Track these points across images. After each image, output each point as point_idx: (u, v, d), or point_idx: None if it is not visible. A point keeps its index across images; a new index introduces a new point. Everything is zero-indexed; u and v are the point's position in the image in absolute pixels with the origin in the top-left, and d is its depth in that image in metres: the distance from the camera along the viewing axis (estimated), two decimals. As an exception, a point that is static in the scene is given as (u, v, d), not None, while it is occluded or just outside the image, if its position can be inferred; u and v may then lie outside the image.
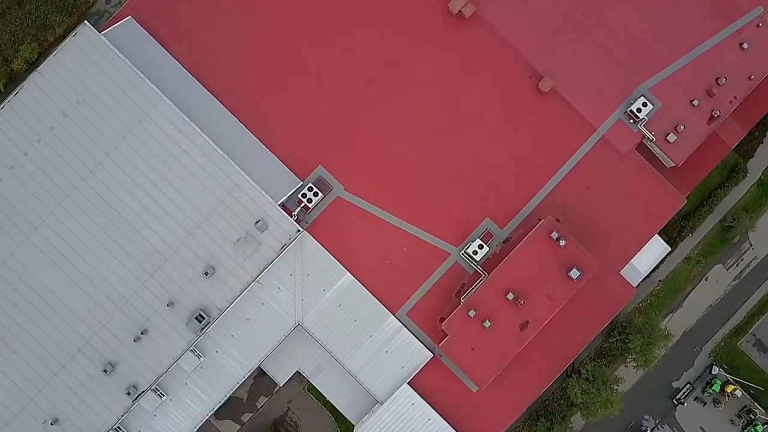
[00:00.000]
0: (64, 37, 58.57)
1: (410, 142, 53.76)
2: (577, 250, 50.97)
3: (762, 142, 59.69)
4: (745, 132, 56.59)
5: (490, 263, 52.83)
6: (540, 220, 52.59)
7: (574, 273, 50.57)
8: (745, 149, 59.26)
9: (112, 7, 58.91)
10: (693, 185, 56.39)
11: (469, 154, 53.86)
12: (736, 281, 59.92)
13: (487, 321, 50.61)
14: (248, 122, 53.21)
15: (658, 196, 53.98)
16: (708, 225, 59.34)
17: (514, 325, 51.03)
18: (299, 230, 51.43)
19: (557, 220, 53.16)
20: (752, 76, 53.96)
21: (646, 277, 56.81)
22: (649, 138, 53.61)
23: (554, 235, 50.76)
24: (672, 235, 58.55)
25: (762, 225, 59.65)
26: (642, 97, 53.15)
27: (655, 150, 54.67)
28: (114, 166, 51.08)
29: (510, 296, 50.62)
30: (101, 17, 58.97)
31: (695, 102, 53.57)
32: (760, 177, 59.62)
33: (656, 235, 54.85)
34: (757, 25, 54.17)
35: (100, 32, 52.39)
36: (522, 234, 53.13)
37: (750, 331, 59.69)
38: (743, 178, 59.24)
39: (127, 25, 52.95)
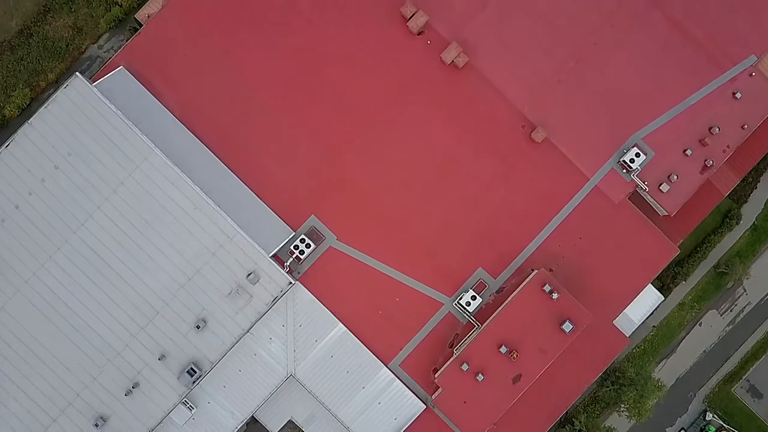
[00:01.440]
0: (56, 82, 58.65)
1: (403, 191, 53.65)
2: (570, 303, 50.83)
3: (756, 188, 59.69)
4: (738, 179, 56.58)
5: (483, 313, 52.68)
6: (533, 270, 52.47)
7: (567, 326, 50.41)
8: (739, 195, 59.25)
9: (104, 52, 58.76)
10: (686, 233, 56.34)
11: (461, 203, 53.74)
12: (730, 326, 59.86)
13: (479, 375, 50.40)
14: (241, 172, 53.01)
15: (652, 246, 53.88)
16: (702, 271, 59.31)
17: (506, 379, 50.84)
18: (291, 282, 51.26)
19: (550, 270, 53.14)
20: (745, 126, 53.94)
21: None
22: (642, 188, 53.57)
23: (547, 288, 50.61)
24: (665, 281, 58.49)
25: (756, 270, 59.61)
26: (635, 147, 53.08)
27: (649, 199, 54.60)
28: (105, 219, 50.87)
29: (503, 349, 50.42)
30: (93, 62, 58.83)
31: (688, 151, 53.54)
32: (754, 222, 59.62)
33: (650, 285, 54.72)
34: (750, 74, 54.18)
35: (92, 81, 52.27)
36: (515, 284, 53.00)
37: (744, 377, 59.59)
38: (737, 223, 59.21)
39: (119, 75, 52.78)
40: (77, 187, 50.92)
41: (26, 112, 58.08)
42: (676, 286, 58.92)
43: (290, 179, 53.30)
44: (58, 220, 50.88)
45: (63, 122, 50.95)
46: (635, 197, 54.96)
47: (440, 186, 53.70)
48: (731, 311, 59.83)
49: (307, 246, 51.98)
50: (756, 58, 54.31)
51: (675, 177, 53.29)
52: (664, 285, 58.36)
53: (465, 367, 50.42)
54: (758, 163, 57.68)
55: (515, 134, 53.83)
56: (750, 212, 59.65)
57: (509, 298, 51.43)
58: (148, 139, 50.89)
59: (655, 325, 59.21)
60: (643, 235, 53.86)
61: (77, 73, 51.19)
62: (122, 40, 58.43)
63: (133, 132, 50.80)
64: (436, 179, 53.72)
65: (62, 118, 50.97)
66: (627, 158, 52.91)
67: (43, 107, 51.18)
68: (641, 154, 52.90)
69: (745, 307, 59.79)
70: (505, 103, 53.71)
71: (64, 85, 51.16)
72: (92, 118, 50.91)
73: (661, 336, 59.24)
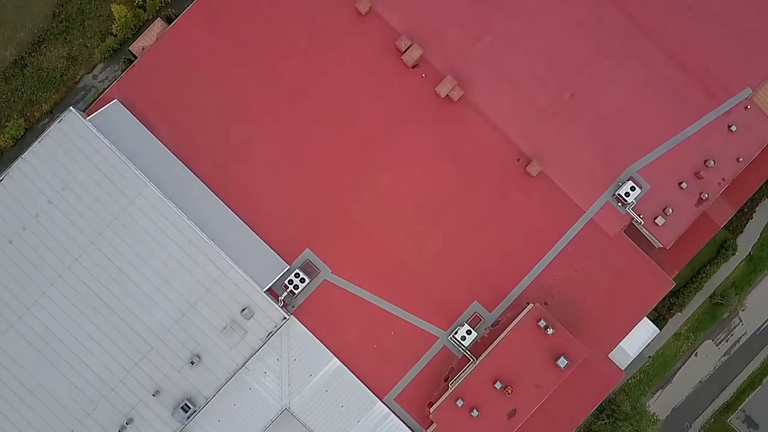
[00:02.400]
0: (51, 112, 58.59)
1: (398, 224, 53.53)
2: (565, 338, 50.73)
3: (751, 218, 59.63)
4: (734, 211, 56.48)
5: (478, 347, 52.59)
6: (528, 304, 52.45)
7: (562, 362, 50.31)
8: (735, 225, 59.20)
9: (99, 82, 58.65)
10: (682, 264, 56.27)
11: (457, 236, 53.63)
12: (726, 357, 59.81)
13: (474, 410, 50.28)
14: (235, 206, 52.89)
15: (647, 279, 53.75)
16: (697, 301, 59.26)
17: (501, 414, 50.72)
18: (285, 317, 51.16)
19: (545, 303, 53.10)
20: (741, 159, 53.88)
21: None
22: (637, 221, 53.51)
23: (542, 323, 50.51)
24: (661, 311, 58.43)
25: (751, 301, 59.56)
26: (630, 181, 53.02)
27: (644, 231, 54.52)
28: (99, 254, 50.76)
29: (498, 385, 50.29)
30: (88, 92, 58.70)
31: (684, 184, 53.47)
32: (750, 252, 59.57)
33: (645, 318, 54.62)
34: (746, 107, 54.11)
35: (86, 114, 52.40)
36: (511, 317, 52.97)
37: (740, 408, 59.52)
38: (733, 254, 59.14)
39: (114, 108, 52.63)
40: (71, 222, 50.81)
41: (21, 142, 58.08)
42: (671, 317, 58.86)
43: (285, 212, 53.17)
44: (52, 255, 50.77)
45: (57, 157, 50.84)
46: (631, 228, 54.85)
47: (435, 219, 53.60)
48: (727, 341, 59.78)
49: (302, 281, 51.86)
50: (751, 91, 54.25)
51: (670, 210, 53.22)
52: (659, 315, 58.31)
53: (460, 402, 50.29)
54: (754, 194, 57.49)
55: (510, 167, 53.74)
56: (745, 242, 59.58)
57: (504, 333, 51.38)
58: (142, 174, 50.82)
59: (651, 355, 59.14)
60: (638, 268, 53.73)
61: (71, 107, 51.11)
62: (117, 70, 58.35)
63: (127, 166, 50.73)
64: (431, 212, 53.61)
65: (56, 153, 50.87)
66: (622, 192, 52.82)
67: (37, 142, 51.08)
68: (636, 187, 52.80)
69: (740, 338, 59.74)
70: (500, 136, 53.63)
71: (58, 120, 51.06)
72: (86, 153, 50.82)
73: (656, 366, 59.16)
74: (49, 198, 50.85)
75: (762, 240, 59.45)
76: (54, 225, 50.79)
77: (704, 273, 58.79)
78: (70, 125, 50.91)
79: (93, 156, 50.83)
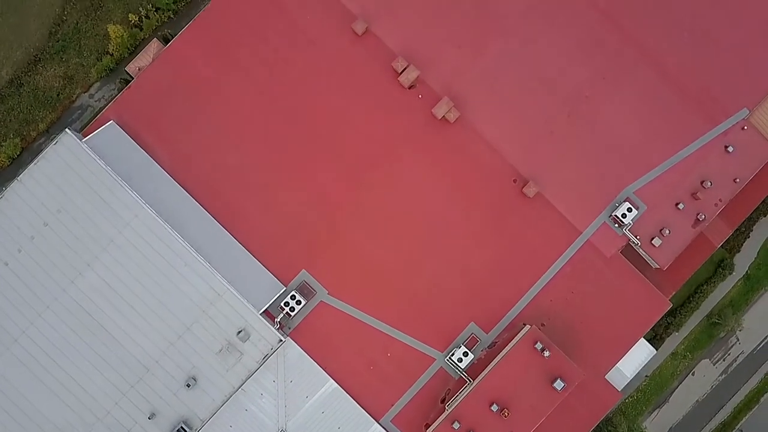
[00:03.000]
0: (47, 131, 58.56)
1: (395, 245, 53.44)
2: (562, 361, 50.63)
3: (748, 237, 59.61)
4: (731, 231, 56.42)
5: (475, 368, 52.48)
6: (525, 325, 52.40)
7: (558, 384, 50.19)
8: (732, 244, 59.17)
9: (95, 101, 58.61)
10: (679, 285, 56.20)
11: (453, 257, 53.54)
12: (723, 376, 59.76)
13: (471, 433, 50.31)
14: (231, 227, 52.81)
15: (644, 300, 53.63)
16: (694, 320, 59.22)
17: (498, 437, 50.71)
18: (281, 340, 51.10)
19: (542, 325, 53.04)
20: (737, 179, 53.81)
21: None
22: (634, 242, 53.46)
23: (538, 345, 50.42)
24: (658, 331, 58.40)
25: (749, 320, 59.51)
26: (627, 202, 52.94)
27: (641, 252, 54.44)
28: (95, 277, 50.71)
29: (494, 407, 50.18)
30: (84, 111, 58.68)
31: (680, 205, 53.40)
32: (747, 271, 59.54)
33: (642, 338, 54.52)
34: (743, 128, 54.03)
35: (82, 135, 52.38)
36: (507, 339, 52.88)
37: (737, 427, 59.52)
38: (729, 273, 59.08)
39: (110, 129, 52.53)
40: (67, 244, 50.76)
41: (17, 161, 58.07)
42: (668, 336, 58.80)
43: (281, 233, 53.08)
44: (48, 278, 50.72)
45: (52, 179, 50.82)
46: (628, 248, 54.75)
47: (432, 240, 53.50)
48: (724, 360, 59.73)
49: (298, 303, 51.82)
50: (748, 111, 54.20)
51: (667, 231, 53.16)
52: (656, 335, 58.28)
53: (456, 425, 50.17)
54: (751, 213, 57.44)
55: (507, 188, 53.67)
56: (743, 261, 59.55)
57: (500, 356, 51.29)
58: (138, 196, 50.80)
59: (648, 374, 59.09)
60: (635, 289, 53.64)
61: (67, 129, 51.05)
62: (113, 89, 58.33)
63: (123, 189, 50.70)
64: (427, 233, 53.52)
65: (52, 175, 50.85)
66: (619, 213, 52.74)
67: (33, 163, 51.06)
68: (633, 208, 52.73)
69: (738, 357, 59.70)
70: (497, 157, 53.57)
71: (54, 141, 51.03)
72: (82, 175, 50.79)
73: (653, 385, 59.11)
74: (45, 220, 50.80)
75: (759, 259, 59.43)
76: (50, 247, 50.75)
77: (701, 292, 58.75)
78: (65, 147, 50.89)
79: (89, 178, 50.78)
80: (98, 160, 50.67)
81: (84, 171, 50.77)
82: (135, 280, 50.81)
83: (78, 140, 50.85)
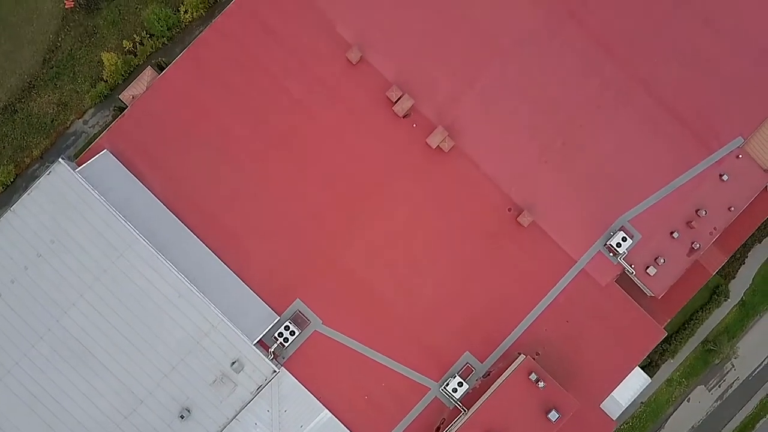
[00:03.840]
0: (41, 158, 58.41)
1: (389, 274, 53.34)
2: (557, 391, 50.52)
3: (743, 263, 59.57)
4: (726, 258, 56.42)
5: (470, 397, 52.38)
6: (520, 354, 52.31)
7: (553, 415, 50.07)
8: (727, 271, 59.13)
9: (89, 127, 58.47)
10: (674, 312, 56.17)
11: (448, 287, 53.44)
12: (719, 402, 59.68)
13: (465, 464, 50.19)
14: (225, 256, 52.66)
15: (639, 329, 53.57)
16: (690, 347, 59.16)
17: (492, 468, 50.59)
18: (275, 371, 50.95)
19: (537, 354, 53.00)
20: (732, 208, 53.81)
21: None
22: (629, 271, 53.41)
23: (533, 376, 50.31)
24: (653, 357, 58.35)
25: (744, 346, 59.45)
26: (621, 231, 52.89)
27: (636, 281, 54.39)
28: (88, 307, 50.52)
29: (489, 439, 50.23)
30: (78, 137, 58.54)
31: (675, 234, 53.38)
32: (742, 298, 59.50)
33: (637, 367, 54.46)
34: (737, 156, 54.05)
35: (76, 163, 52.35)
36: (502, 368, 52.76)
37: (733, 453, 59.58)
38: (725, 299, 59.03)
39: (104, 158, 52.36)
40: (60, 275, 50.58)
41: (11, 188, 57.92)
42: (663, 363, 58.72)
43: (275, 262, 52.95)
44: (41, 309, 50.54)
45: (46, 209, 50.64)
46: (623, 275, 54.73)
47: (427, 269, 53.39)
48: (719, 387, 59.67)
49: (292, 333, 51.69)
50: (743, 140, 54.19)
51: (662, 260, 53.13)
52: (651, 362, 58.22)
53: (451, 456, 50.18)
54: (746, 240, 57.39)
55: (502, 217, 53.59)
56: (738, 288, 59.51)
57: (495, 386, 51.20)
58: (131, 226, 50.63)
59: (643, 401, 59.02)
60: (630, 318, 53.59)
61: (60, 159, 50.87)
62: (107, 116, 58.21)
63: (116, 219, 50.53)
64: (422, 262, 53.41)
65: (45, 205, 50.67)
66: (613, 242, 52.69)
67: (26, 194, 50.89)
68: (628, 237, 52.69)
69: (733, 383, 59.62)
70: (491, 186, 53.49)
71: (48, 171, 50.84)
72: (75, 205, 50.62)
73: (649, 412, 59.02)
74: (38, 251, 50.62)
75: (754, 285, 59.42)
76: (43, 278, 50.57)
77: (696, 319, 58.68)
78: (59, 177, 50.71)
79: (82, 208, 50.61)
80: (92, 191, 50.50)
81: (77, 201, 50.59)
82: (128, 311, 50.63)
83: (71, 170, 50.67)
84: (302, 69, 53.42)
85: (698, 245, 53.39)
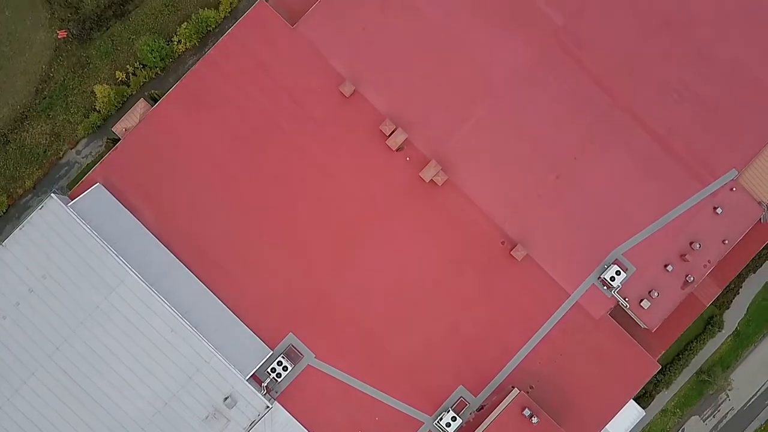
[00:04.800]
0: (34, 188, 58.23)
1: (382, 308, 53.22)
2: (550, 426, 50.39)
3: (738, 293, 59.49)
4: (720, 290, 56.30)
5: (463, 431, 52.31)
6: (513, 388, 52.15)
7: (547, 451, 50.11)
8: (721, 301, 59.01)
9: (82, 158, 58.29)
10: (668, 343, 56.05)
11: (441, 320, 53.32)
12: (713, 432, 59.79)
13: (459, 501, 50.08)
14: (218, 290, 52.53)
15: (633, 362, 53.48)
16: (684, 377, 59.05)
17: (486, 504, 50.45)
18: (268, 406, 50.77)
19: (531, 387, 52.92)
20: (726, 241, 53.71)
21: (620, 440, 56.36)
22: (623, 304, 53.32)
23: (526, 412, 50.18)
24: (648, 388, 58.22)
25: (738, 376, 59.35)
26: (615, 264, 52.78)
27: (630, 313, 54.29)
28: (80, 343, 50.32)
29: (482, 475, 50.09)
30: (71, 168, 58.34)
31: (669, 267, 53.26)
32: (737, 328, 59.40)
33: (631, 400, 54.35)
34: (731, 189, 53.94)
35: (68, 196, 52.25)
36: (496, 402, 52.59)
37: (727, 484, 59.46)
38: (719, 330, 58.94)
39: (96, 192, 52.21)
40: (52, 310, 50.41)
41: (3, 218, 57.72)
42: (658, 393, 58.64)
43: (268, 296, 52.81)
44: (33, 344, 50.34)
45: (38, 244, 50.43)
46: (617, 307, 54.64)
47: (420, 302, 53.28)
48: (714, 417, 59.57)
49: (284, 369, 51.56)
50: (737, 172, 54.11)
51: (656, 293, 53.03)
52: (646, 392, 58.13)
53: (444, 493, 50.03)
54: (740, 271, 57.32)
55: (495, 250, 53.48)
56: (732, 318, 59.44)
57: (488, 421, 51.00)
58: (124, 261, 50.46)
59: (638, 432, 58.99)
60: (623, 351, 53.50)
61: (52, 194, 50.62)
62: (100, 146, 58.05)
63: (109, 254, 50.33)
64: (415, 295, 53.30)
65: (37, 240, 50.45)
66: (607, 276, 52.59)
67: (18, 229, 50.63)
68: (621, 271, 52.59)
69: (728, 413, 59.53)
70: (485, 219, 53.37)
71: (40, 206, 50.63)
72: (67, 241, 50.42)
73: (643, 443, 59.02)
74: (30, 286, 50.43)
75: (749, 315, 59.34)
76: (35, 313, 50.37)
77: (690, 349, 58.62)
78: (51, 212, 50.49)
79: (74, 243, 50.41)
80: (84, 225, 50.30)
81: (70, 236, 50.40)
82: (121, 347, 50.45)
83: (63, 205, 50.46)
84: (295, 102, 53.28)
85: (692, 278, 53.30)
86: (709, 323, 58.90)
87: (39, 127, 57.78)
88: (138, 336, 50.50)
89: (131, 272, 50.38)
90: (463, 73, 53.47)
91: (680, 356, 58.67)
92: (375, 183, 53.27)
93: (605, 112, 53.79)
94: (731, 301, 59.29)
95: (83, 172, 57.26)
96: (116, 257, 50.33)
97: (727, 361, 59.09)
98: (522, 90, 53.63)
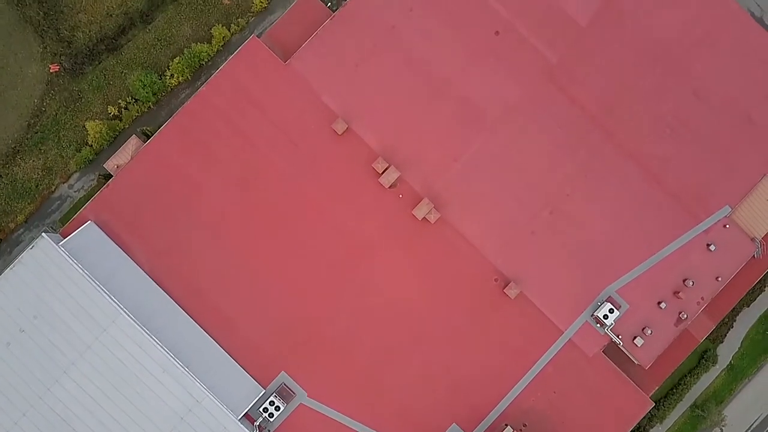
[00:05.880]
0: (26, 222, 57.93)
1: (375, 345, 53.05)
2: (543, 467, 50.42)
3: (732, 327, 59.33)
4: (714, 325, 56.14)
5: (456, 469, 52.34)
6: (506, 426, 52.00)
7: (540, 491, 50.02)
8: (715, 335, 58.86)
9: (74, 192, 58.04)
10: (662, 379, 55.85)
11: (435, 357, 53.16)
12: (707, 467, 59.58)
13: None
14: (210, 328, 52.35)
15: (626, 400, 53.40)
16: (678, 411, 58.88)
17: None
18: (261, 447, 50.78)
19: (524, 425, 52.84)
20: (720, 278, 53.64)
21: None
22: (616, 342, 53.19)
23: (519, 452, 50.24)
24: (642, 423, 57.98)
25: (732, 409, 59.19)
26: (608, 302, 52.70)
27: (623, 349, 54.15)
28: (72, 384, 50.11)
29: None
30: (63, 202, 58.08)
31: (663, 304, 53.19)
32: (730, 362, 59.25)
33: (624, 437, 54.35)
34: (725, 226, 53.85)
35: (60, 233, 52.21)
36: (489, 440, 52.61)
37: None
38: (713, 364, 58.78)
39: (88, 230, 52.02)
40: (43, 350, 50.17)
41: (-5, 254, 57.56)
42: (652, 428, 58.46)
43: (260, 335, 52.64)
44: (24, 385, 50.09)
45: (29, 284, 50.23)
46: (610, 343, 54.47)
47: (413, 340, 53.12)
48: (708, 450, 59.54)
49: (277, 409, 51.40)
50: (730, 209, 54.01)
51: (649, 331, 52.95)
52: (640, 426, 57.95)
53: None
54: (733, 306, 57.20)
55: (489, 287, 53.33)
56: (726, 351, 59.29)
57: (482, 461, 50.98)
58: (115, 301, 50.27)
59: (632, 467, 58.70)
60: (617, 388, 53.40)
61: (44, 233, 50.43)
62: (92, 180, 57.81)
63: (100, 293, 50.13)
64: (408, 333, 53.14)
65: (28, 280, 50.24)
66: (600, 314, 52.48)
67: (9, 268, 50.43)
68: (615, 309, 52.48)
69: (722, 447, 59.48)
70: (478, 256, 53.23)
71: (31, 246, 50.40)
72: (59, 280, 50.20)
73: (637, 477, 58.79)
74: (21, 326, 50.21)
75: (743, 349, 59.22)
76: (26, 354, 50.13)
77: (684, 384, 58.44)
78: (42, 251, 50.28)
79: (66, 283, 50.20)
80: (75, 265, 50.08)
81: (61, 276, 50.18)
82: (112, 387, 50.23)
83: (54, 244, 50.24)
84: (288, 139, 53.14)
85: (686, 315, 53.22)
86: (703, 357, 58.75)
87: (31, 161, 57.55)
88: (130, 376, 50.27)
89: (123, 312, 50.18)
90: (455, 110, 53.36)
91: (674, 390, 58.51)
92: (368, 220, 53.10)
93: (598, 148, 53.70)
94: (725, 335, 59.16)
95: (76, 207, 57.10)
96: (108, 297, 50.14)
97: (720, 395, 58.95)
98: (515, 126, 53.53)
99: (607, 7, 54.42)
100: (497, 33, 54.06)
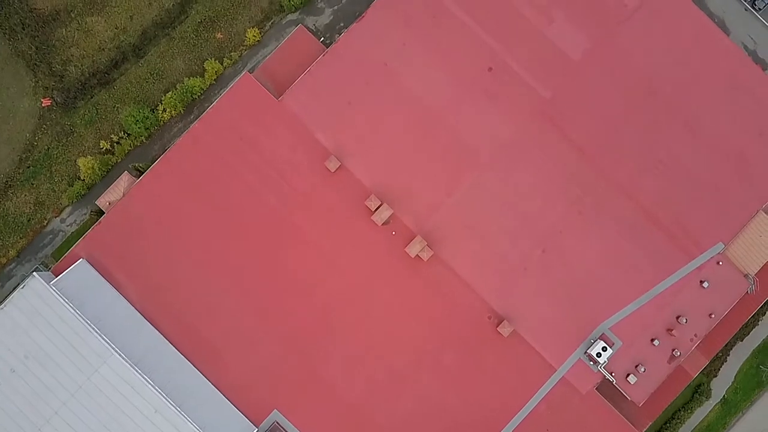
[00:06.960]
0: (18, 257, 57.64)
1: (368, 384, 52.91)
2: (536, 507, 50.30)
3: (725, 361, 59.19)
4: (707, 361, 56.15)
5: (449, 507, 52.14)
6: (500, 464, 52.00)
7: None
8: (709, 369, 58.69)
9: (67, 226, 57.74)
10: (655, 415, 55.74)
11: (427, 395, 53.04)
12: (702, 501, 59.39)
13: None
14: (202, 366, 52.15)
15: (619, 437, 53.47)
16: (672, 446, 58.87)
17: None
18: (253, 487, 50.55)
19: (517, 463, 52.69)
20: (713, 315, 53.63)
21: None
22: (609, 379, 53.11)
23: (512, 492, 50.11)
24: (636, 457, 57.86)
25: (726, 444, 59.27)
26: (601, 340, 52.64)
27: (617, 386, 54.08)
28: (63, 425, 49.83)
29: None
30: (56, 236, 57.78)
31: (656, 341, 53.16)
32: (724, 396, 59.13)
33: (617, 475, 54.22)
34: (718, 263, 53.84)
35: (51, 271, 51.98)
36: (482, 478, 52.42)
37: None
38: (707, 399, 58.65)
39: (80, 268, 51.83)
40: (34, 391, 49.96)
41: (-13, 291, 57.27)
42: (646, 463, 58.36)
43: (252, 372, 52.45)
44: (15, 426, 49.82)
45: (20, 324, 50.04)
46: (603, 380, 54.36)
47: (407, 377, 53.00)
48: (703, 484, 59.35)
49: (269, 449, 51.34)
50: (723, 246, 53.98)
51: (642, 368, 52.90)
52: (634, 461, 57.74)
53: None
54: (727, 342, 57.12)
55: (482, 325, 53.23)
56: (720, 385, 59.14)
57: (475, 501, 50.81)
58: (107, 341, 50.10)
59: (625, 501, 58.50)
60: (610, 426, 53.36)
61: (35, 273, 50.28)
62: (84, 214, 57.53)
63: (92, 333, 49.96)
64: (401, 371, 53.01)
65: (19, 320, 50.06)
66: (593, 352, 52.40)
67: (0, 308, 50.20)
68: (608, 347, 52.44)
69: (715, 483, 59.31)
70: (471, 293, 53.14)
71: (21, 285, 50.22)
72: (50, 320, 50.02)
73: None
74: (12, 366, 50.00)
75: (737, 383, 59.06)
76: (16, 394, 49.92)
77: (678, 418, 58.25)
78: (33, 291, 50.10)
79: (57, 323, 50.01)
80: (66, 304, 49.91)
81: (52, 316, 50.00)
82: (104, 428, 49.99)
83: (45, 283, 50.05)
84: (280, 177, 53.02)
85: (679, 352, 53.20)
86: (697, 391, 58.59)
87: (23, 195, 57.30)
88: (121, 417, 50.06)
89: (114, 352, 49.99)
90: (448, 146, 53.33)
91: (668, 425, 58.35)
92: (361, 258, 52.97)
93: (591, 185, 53.68)
94: (719, 369, 59.02)
95: (68, 241, 56.81)
96: (99, 336, 49.96)
97: (714, 429, 58.79)
98: (508, 164, 53.51)
99: (599, 43, 54.42)
100: (490, 69, 54.04)
